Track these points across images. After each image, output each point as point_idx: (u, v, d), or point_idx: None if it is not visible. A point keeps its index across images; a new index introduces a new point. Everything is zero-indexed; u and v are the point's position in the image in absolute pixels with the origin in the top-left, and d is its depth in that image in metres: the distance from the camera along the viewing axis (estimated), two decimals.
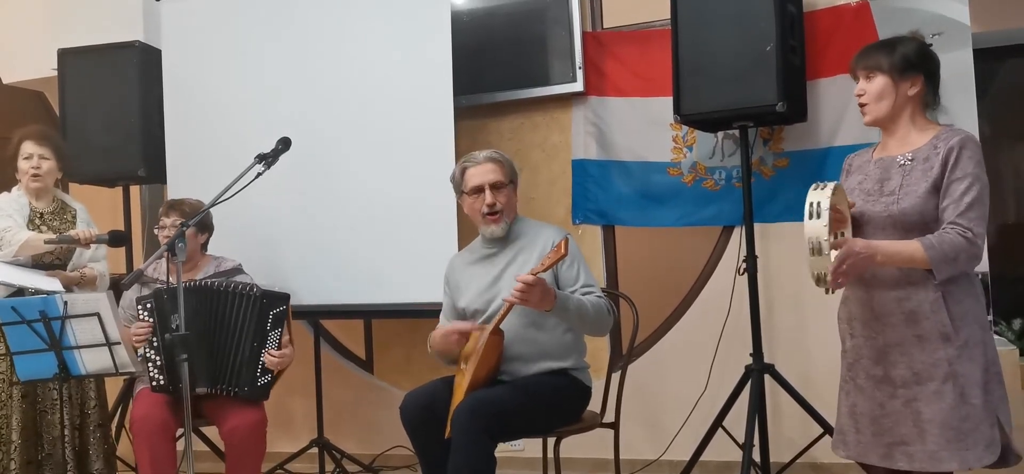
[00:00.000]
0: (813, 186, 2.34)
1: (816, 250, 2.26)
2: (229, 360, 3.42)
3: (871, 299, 2.50)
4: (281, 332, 3.46)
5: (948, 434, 2.35)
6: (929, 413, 2.38)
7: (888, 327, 2.46)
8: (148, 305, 3.40)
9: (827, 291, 2.38)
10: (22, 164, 3.66)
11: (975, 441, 2.35)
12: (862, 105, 2.56)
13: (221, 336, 3.42)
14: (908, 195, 2.43)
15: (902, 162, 2.49)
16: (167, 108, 4.38)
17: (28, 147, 3.66)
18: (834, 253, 2.33)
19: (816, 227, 2.26)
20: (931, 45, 2.59)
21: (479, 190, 3.09)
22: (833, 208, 2.34)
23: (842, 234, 2.43)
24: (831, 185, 2.33)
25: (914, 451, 2.39)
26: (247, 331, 3.42)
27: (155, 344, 3.38)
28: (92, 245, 3.62)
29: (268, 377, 3.44)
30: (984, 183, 2.41)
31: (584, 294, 2.99)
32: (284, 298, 3.50)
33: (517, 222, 3.18)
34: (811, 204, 2.29)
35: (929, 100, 2.55)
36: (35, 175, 3.64)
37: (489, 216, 3.09)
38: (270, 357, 3.41)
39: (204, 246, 3.72)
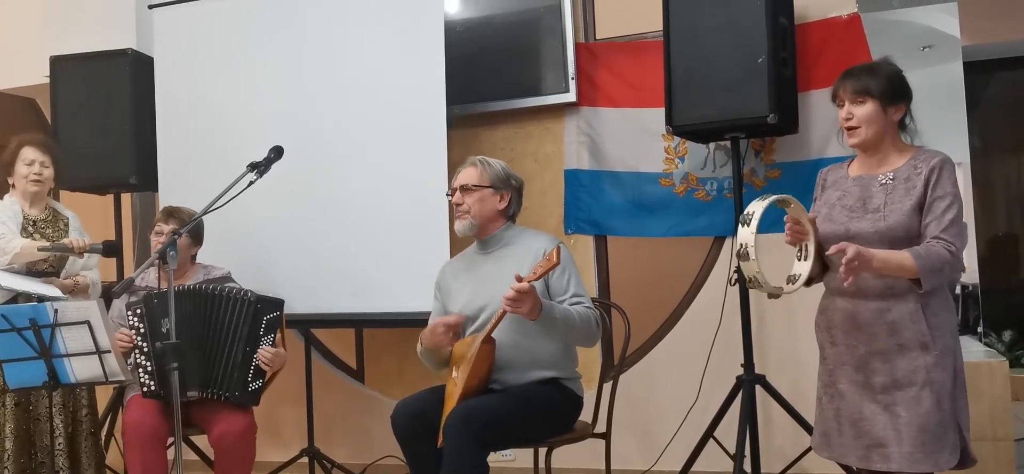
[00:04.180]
0: (757, 198, 2.51)
1: (743, 255, 2.44)
2: (220, 364, 3.40)
3: (854, 310, 2.60)
4: (274, 338, 3.45)
5: (924, 437, 2.47)
6: (907, 417, 2.49)
7: (870, 336, 2.57)
8: (138, 310, 3.40)
9: (770, 296, 2.56)
10: (23, 169, 3.63)
11: (945, 445, 2.49)
12: (852, 129, 2.63)
13: (213, 340, 3.41)
14: (894, 212, 2.54)
15: (883, 181, 2.60)
16: (159, 116, 4.37)
17: (29, 153, 3.64)
18: (800, 264, 2.54)
19: (743, 233, 2.45)
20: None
21: (456, 191, 3.16)
22: (794, 221, 2.53)
23: (805, 246, 2.56)
24: (771, 197, 2.50)
25: (891, 453, 2.51)
26: (240, 335, 3.40)
27: (145, 350, 3.37)
28: (85, 254, 3.61)
29: (259, 382, 3.43)
30: (961, 202, 2.55)
31: (573, 304, 3.00)
32: (278, 304, 3.49)
33: (509, 230, 3.19)
34: (745, 213, 2.47)
35: (905, 123, 2.67)
36: (36, 181, 3.63)
37: (457, 215, 3.16)
38: (263, 353, 3.40)
39: (194, 257, 3.71)
